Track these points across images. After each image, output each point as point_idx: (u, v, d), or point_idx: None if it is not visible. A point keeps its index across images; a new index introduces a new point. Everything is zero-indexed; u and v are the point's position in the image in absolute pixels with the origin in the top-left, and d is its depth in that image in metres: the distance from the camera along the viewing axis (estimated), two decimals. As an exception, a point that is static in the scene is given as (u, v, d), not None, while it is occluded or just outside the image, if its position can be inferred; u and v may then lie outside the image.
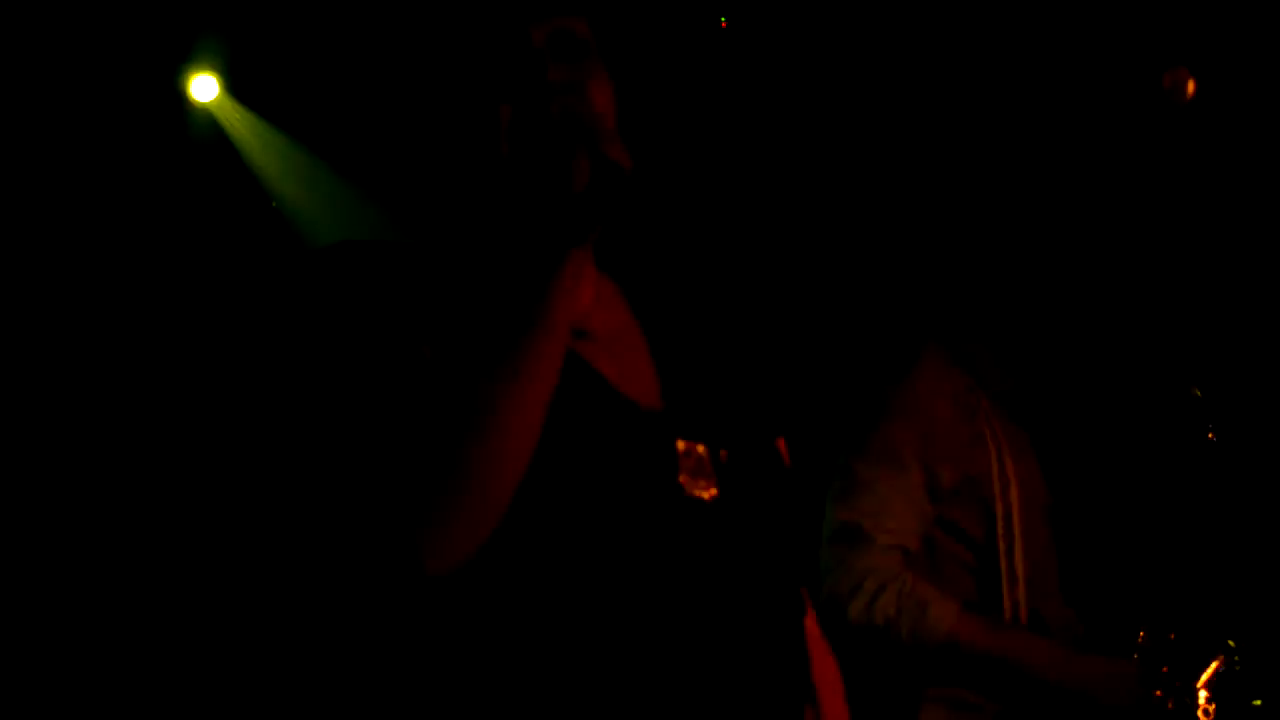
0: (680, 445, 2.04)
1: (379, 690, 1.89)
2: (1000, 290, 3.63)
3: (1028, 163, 3.79)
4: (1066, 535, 3.63)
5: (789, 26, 4.75)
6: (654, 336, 2.14)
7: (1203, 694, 3.40)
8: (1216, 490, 3.70)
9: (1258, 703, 3.47)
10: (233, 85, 5.36)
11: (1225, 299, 4.27)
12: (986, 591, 3.43)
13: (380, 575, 1.77)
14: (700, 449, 2.04)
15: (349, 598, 1.84)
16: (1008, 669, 3.30)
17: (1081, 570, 3.64)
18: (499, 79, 1.89)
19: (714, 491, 2.03)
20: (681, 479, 2.02)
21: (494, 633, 1.85)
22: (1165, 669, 3.40)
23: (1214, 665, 3.42)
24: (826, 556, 3.37)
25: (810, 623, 2.19)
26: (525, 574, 1.86)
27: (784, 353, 4.37)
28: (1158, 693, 3.38)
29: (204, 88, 5.33)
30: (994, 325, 3.64)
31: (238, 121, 5.35)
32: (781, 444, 2.22)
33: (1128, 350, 4.15)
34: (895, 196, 4.80)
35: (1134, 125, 4.02)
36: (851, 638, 3.27)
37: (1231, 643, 3.46)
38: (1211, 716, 3.39)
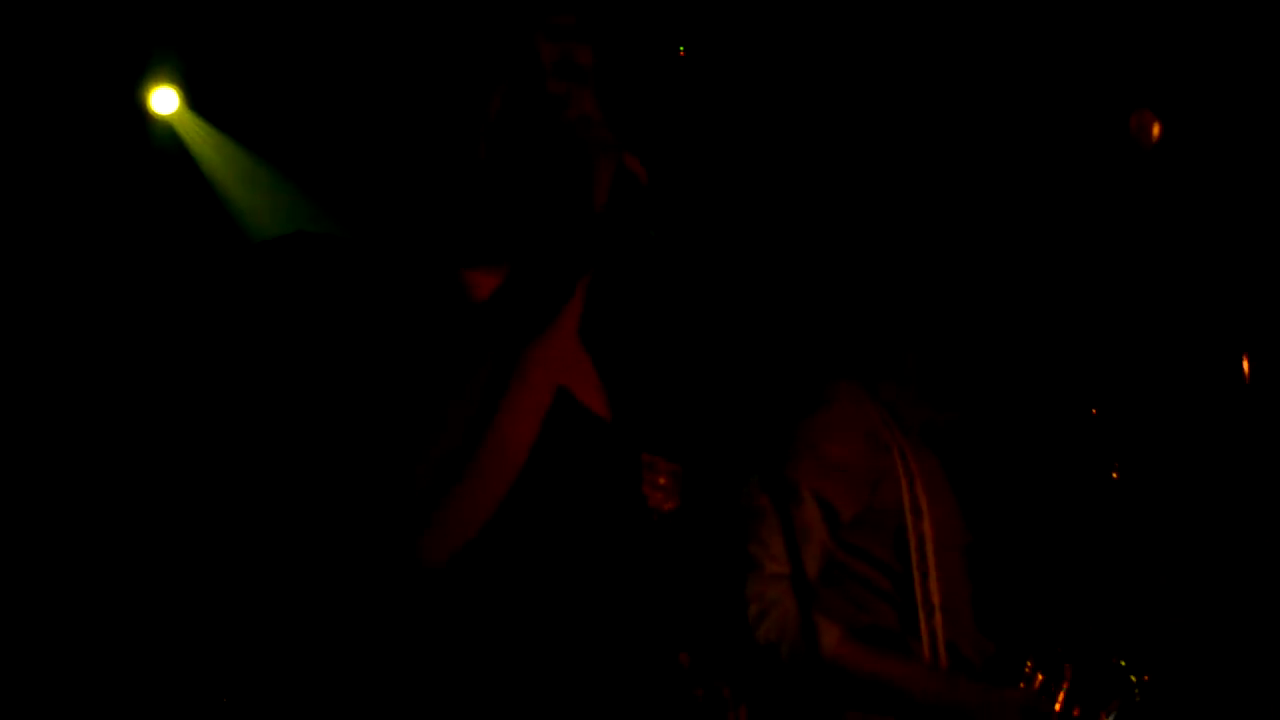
0: (645, 458, 2.03)
1: (360, 679, 1.86)
2: (924, 327, 3.71)
3: (962, 199, 3.83)
4: (982, 566, 3.69)
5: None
6: (602, 352, 2.13)
7: None
8: (1125, 521, 3.76)
9: None
10: (193, 99, 5.32)
11: (1152, 336, 4.32)
12: (905, 618, 3.49)
13: (381, 569, 1.78)
14: (662, 463, 2.04)
15: (347, 589, 1.85)
16: (890, 692, 3.37)
17: (996, 598, 3.68)
18: (491, 81, 1.88)
19: (674, 504, 2.03)
20: (645, 490, 2.01)
21: (461, 633, 1.86)
22: (1061, 698, 3.44)
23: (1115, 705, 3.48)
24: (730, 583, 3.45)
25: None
26: (493, 579, 1.86)
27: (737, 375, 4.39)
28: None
29: (164, 100, 5.29)
30: (916, 363, 3.71)
31: (198, 135, 5.32)
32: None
33: (1044, 386, 4.21)
34: (820, 230, 4.81)
35: (1095, 165, 4.05)
36: (752, 657, 3.34)
37: (1133, 677, 3.51)
38: None
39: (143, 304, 4.99)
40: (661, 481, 1.98)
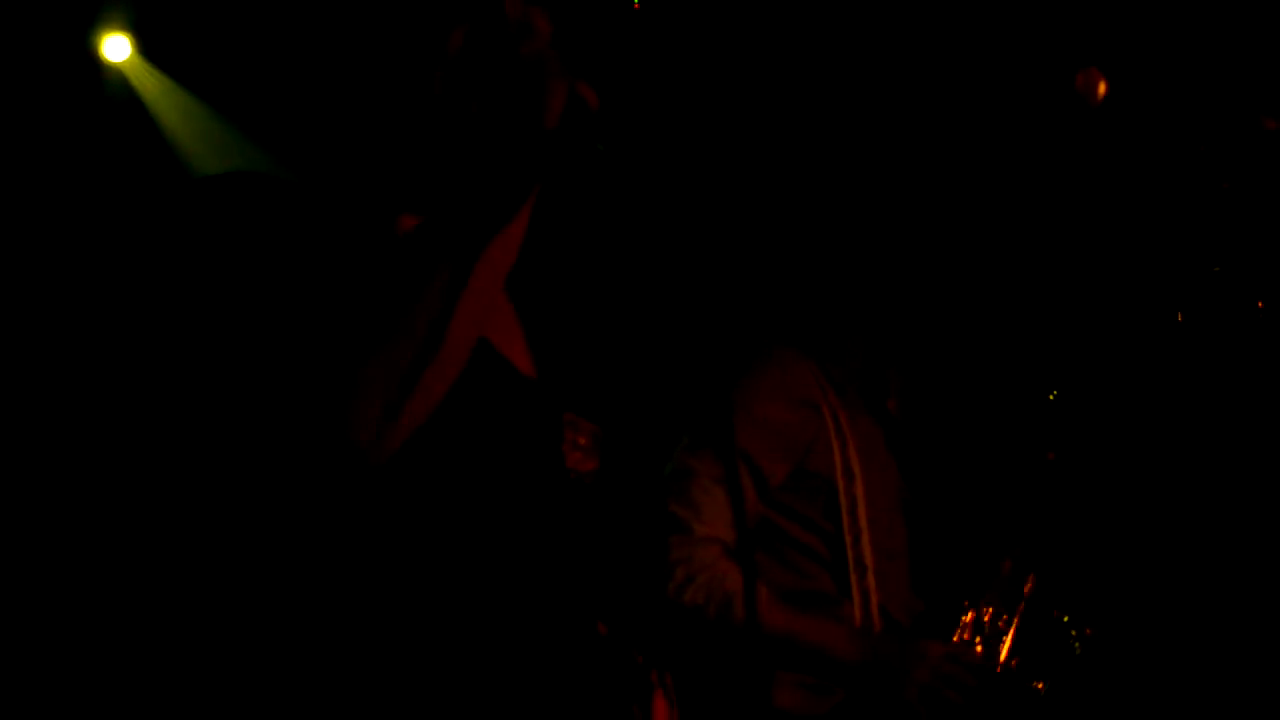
0: (567, 416, 2.05)
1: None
2: (861, 289, 3.76)
3: (899, 158, 3.84)
4: (924, 525, 3.74)
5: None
6: (529, 312, 2.15)
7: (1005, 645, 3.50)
8: (1065, 482, 3.79)
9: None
10: (145, 46, 5.30)
11: (1097, 305, 4.34)
12: (838, 579, 3.52)
13: (322, 453, 1.78)
14: (584, 424, 2.05)
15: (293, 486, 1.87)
16: (813, 653, 3.41)
17: (940, 557, 3.72)
18: (448, 20, 1.90)
19: (593, 465, 2.04)
20: (564, 449, 2.03)
21: (375, 591, 1.89)
22: (1004, 649, 3.48)
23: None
24: (655, 542, 3.44)
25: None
26: (407, 535, 1.89)
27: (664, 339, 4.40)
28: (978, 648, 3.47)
29: (116, 48, 5.27)
30: (853, 322, 3.75)
31: (150, 83, 5.30)
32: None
33: (986, 346, 4.23)
34: (754, 192, 4.82)
35: (1042, 124, 4.05)
36: (668, 619, 3.38)
37: (1074, 631, 3.56)
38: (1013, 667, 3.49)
39: (92, 256, 4.99)
40: (582, 441, 1.99)
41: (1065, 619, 3.60)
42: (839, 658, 3.40)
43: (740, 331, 4.17)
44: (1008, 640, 3.52)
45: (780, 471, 3.51)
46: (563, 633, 1.94)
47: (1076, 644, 3.60)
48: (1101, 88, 3.91)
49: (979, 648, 3.50)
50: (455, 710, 1.84)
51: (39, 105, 5.10)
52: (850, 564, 3.49)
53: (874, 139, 4.03)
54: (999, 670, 3.48)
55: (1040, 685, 3.53)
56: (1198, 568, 4.00)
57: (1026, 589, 3.61)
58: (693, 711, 2.23)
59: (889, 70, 4.52)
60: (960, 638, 3.51)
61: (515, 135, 1.79)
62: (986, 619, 3.54)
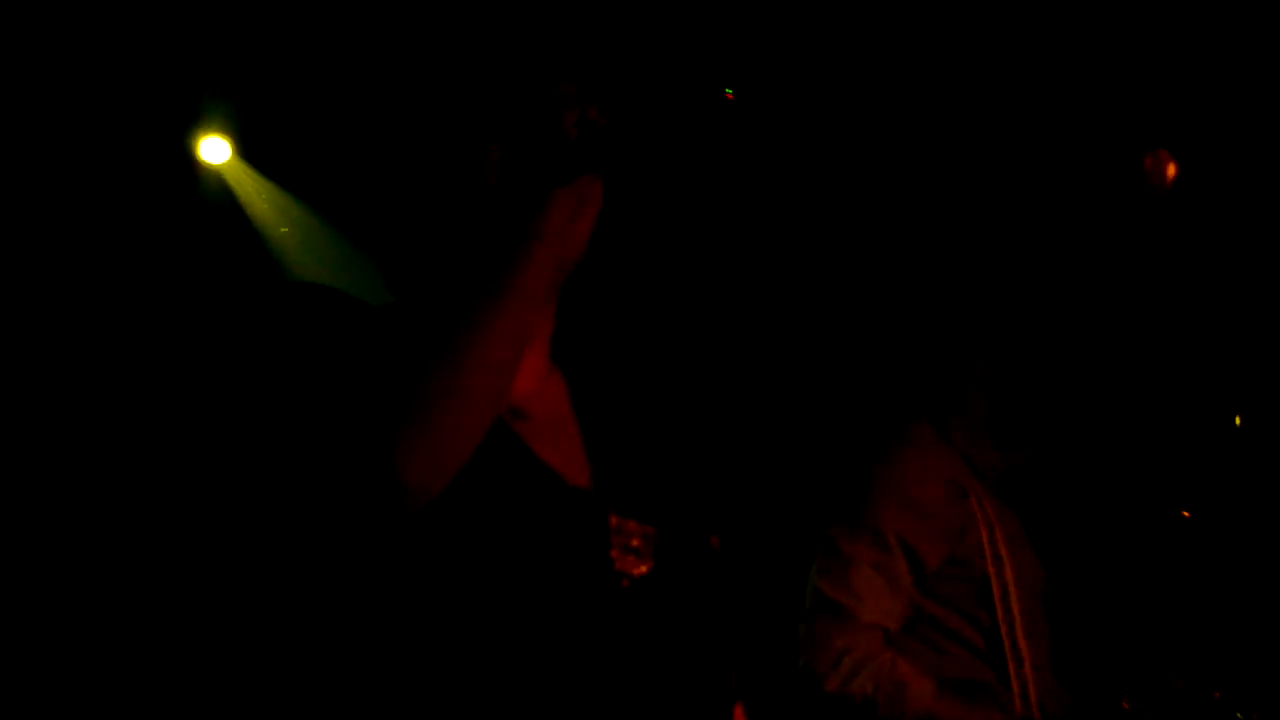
0: (613, 521, 2.08)
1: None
2: (995, 371, 3.65)
3: (1016, 237, 3.81)
4: (1060, 612, 3.64)
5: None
6: (589, 423, 2.20)
7: None
8: (1208, 563, 3.70)
9: None
10: (244, 148, 5.44)
11: (1208, 378, 4.28)
12: (994, 668, 3.46)
13: (359, 491, 1.81)
14: (633, 525, 2.08)
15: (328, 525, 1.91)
16: None
17: (1076, 646, 3.65)
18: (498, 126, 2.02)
19: (645, 568, 2.07)
20: (613, 554, 2.06)
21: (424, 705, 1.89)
22: None
23: None
24: (807, 630, 3.40)
25: (739, 713, 2.24)
26: (457, 642, 1.90)
27: (726, 441, 4.39)
28: None
29: (215, 150, 5.41)
30: (988, 406, 3.65)
31: (247, 184, 5.43)
32: (714, 540, 2.27)
33: (1118, 429, 4.15)
34: (887, 270, 4.82)
35: (1115, 206, 4.06)
36: (827, 708, 3.31)
37: (1238, 714, 3.48)
38: None
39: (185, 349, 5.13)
40: (634, 544, 2.01)
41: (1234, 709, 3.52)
42: None
43: (858, 403, 4.16)
44: None
45: (936, 557, 3.44)
46: None
47: None
48: (1171, 170, 3.92)
49: None
50: None
51: (140, 206, 5.24)
52: (1008, 653, 3.42)
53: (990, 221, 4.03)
54: None
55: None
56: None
57: (1183, 681, 3.50)
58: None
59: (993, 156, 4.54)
60: None
61: (538, 149, 1.95)
62: (1147, 706, 3.47)
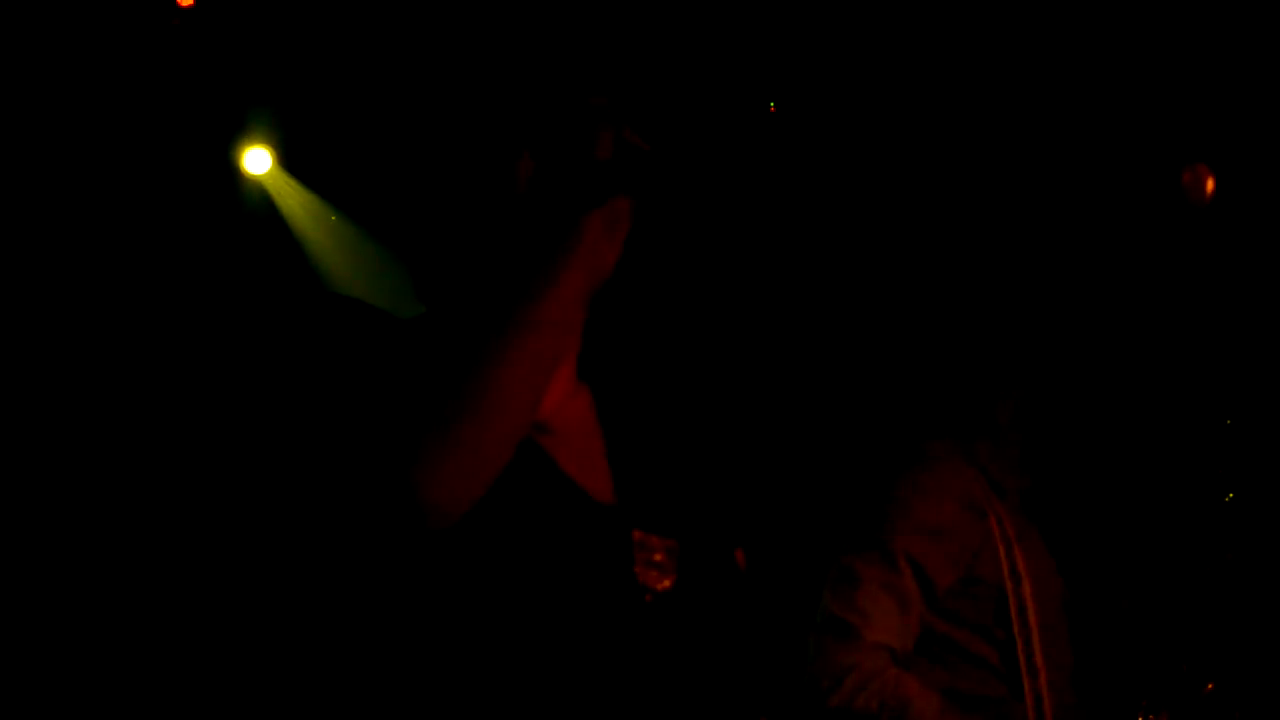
0: (636, 536, 2.09)
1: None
2: (1014, 385, 3.63)
3: (1052, 252, 3.79)
4: (1083, 628, 3.62)
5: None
6: (613, 438, 2.20)
7: None
8: (1228, 577, 3.68)
9: None
10: (286, 159, 5.47)
11: (1236, 394, 4.25)
12: (1008, 683, 3.43)
13: (383, 509, 1.81)
14: (655, 540, 2.09)
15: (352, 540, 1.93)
16: None
17: (1100, 661, 3.63)
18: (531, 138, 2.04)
19: (668, 582, 2.08)
20: (636, 569, 2.06)
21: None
22: None
23: None
24: (814, 644, 3.39)
25: None
26: (479, 654, 1.90)
27: (750, 454, 4.38)
28: None
29: (257, 161, 5.45)
30: (1007, 422, 3.62)
31: (289, 195, 5.47)
32: (740, 554, 2.27)
33: (1140, 446, 4.12)
34: (906, 281, 4.81)
35: (1151, 221, 4.04)
36: None
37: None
38: None
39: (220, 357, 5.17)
40: (657, 559, 2.00)
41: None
42: None
43: (883, 424, 4.14)
44: None
45: (948, 578, 3.42)
46: None
47: None
48: (1210, 184, 3.89)
49: None
50: None
51: (181, 216, 5.29)
52: (1023, 668, 3.40)
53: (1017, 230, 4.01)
54: None
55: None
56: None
57: (1206, 692, 3.52)
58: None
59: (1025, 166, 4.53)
60: None
61: (570, 168, 1.95)
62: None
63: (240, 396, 4.99)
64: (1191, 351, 4.13)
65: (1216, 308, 4.22)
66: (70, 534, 4.95)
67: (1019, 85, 4.60)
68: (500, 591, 1.92)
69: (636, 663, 2.00)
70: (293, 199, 5.47)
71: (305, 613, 1.84)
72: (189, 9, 4.96)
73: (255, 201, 5.49)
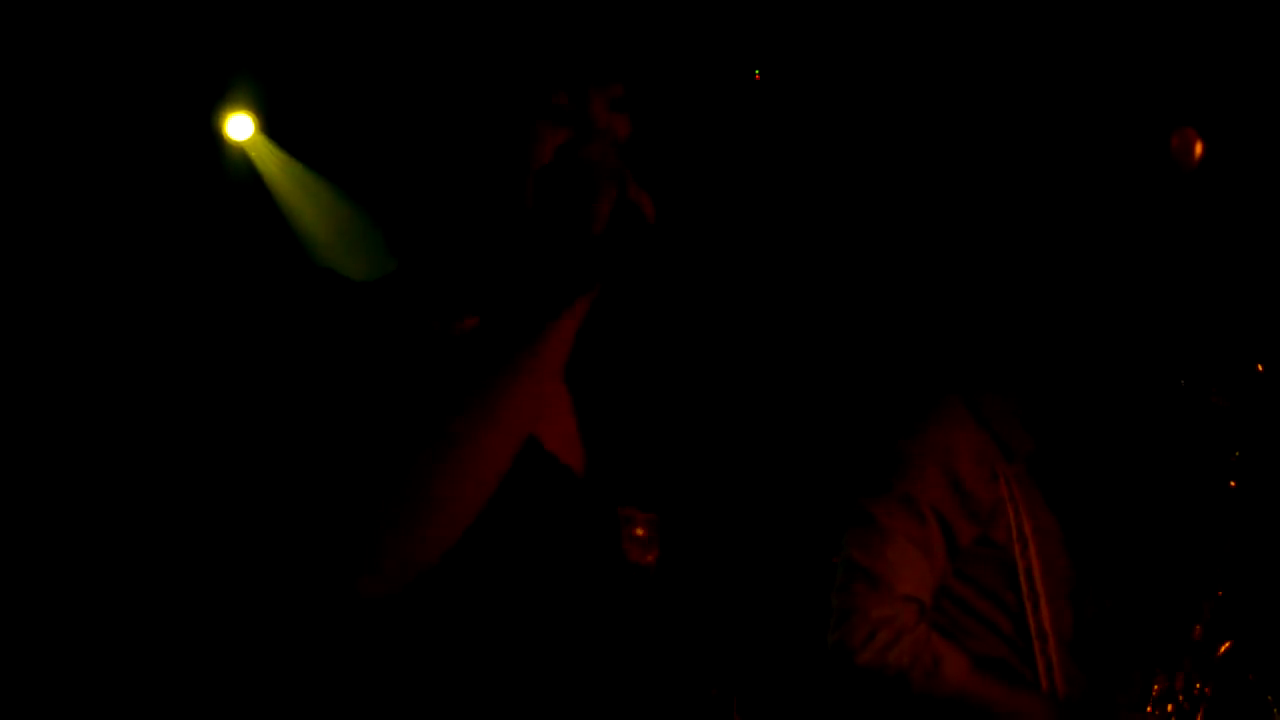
0: (622, 512, 2.06)
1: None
2: (1022, 347, 3.61)
3: (1047, 217, 3.76)
4: (1084, 596, 3.57)
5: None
6: (584, 406, 2.16)
7: None
8: (1234, 544, 3.65)
9: None
10: (268, 124, 5.44)
11: (1236, 358, 4.22)
12: (1017, 648, 3.43)
13: (312, 590, 1.76)
14: (638, 514, 2.06)
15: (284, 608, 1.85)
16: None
17: (1099, 629, 3.61)
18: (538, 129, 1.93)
19: (652, 556, 2.05)
20: (624, 545, 2.04)
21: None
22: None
23: None
24: (842, 600, 3.37)
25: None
26: (464, 633, 1.87)
27: (733, 419, 4.35)
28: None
29: (239, 126, 5.41)
30: (1015, 383, 3.60)
31: (271, 160, 5.44)
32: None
33: (1148, 411, 4.09)
34: (916, 246, 4.79)
35: (1142, 184, 4.02)
36: (858, 680, 3.29)
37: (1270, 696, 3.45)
38: None
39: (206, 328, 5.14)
40: (639, 533, 1.97)
41: (1267, 692, 3.48)
42: None
43: (895, 380, 4.11)
44: (1201, 714, 3.42)
45: (968, 533, 3.40)
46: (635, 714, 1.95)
47: (1276, 710, 3.47)
48: (1198, 148, 3.87)
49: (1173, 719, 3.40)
50: None
51: (164, 182, 5.26)
52: (1033, 632, 3.39)
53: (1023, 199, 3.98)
54: None
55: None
56: None
57: (1220, 654, 3.48)
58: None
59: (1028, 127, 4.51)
60: (1153, 709, 3.42)
61: (564, 237, 1.76)
62: (1179, 687, 3.43)
63: (208, 383, 4.96)
64: (1189, 319, 4.10)
65: (1210, 273, 4.20)
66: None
67: (1007, 61, 4.59)
68: (487, 572, 1.87)
69: (624, 638, 1.98)
70: (275, 165, 5.43)
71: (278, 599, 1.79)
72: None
73: (237, 168, 5.45)
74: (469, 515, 1.75)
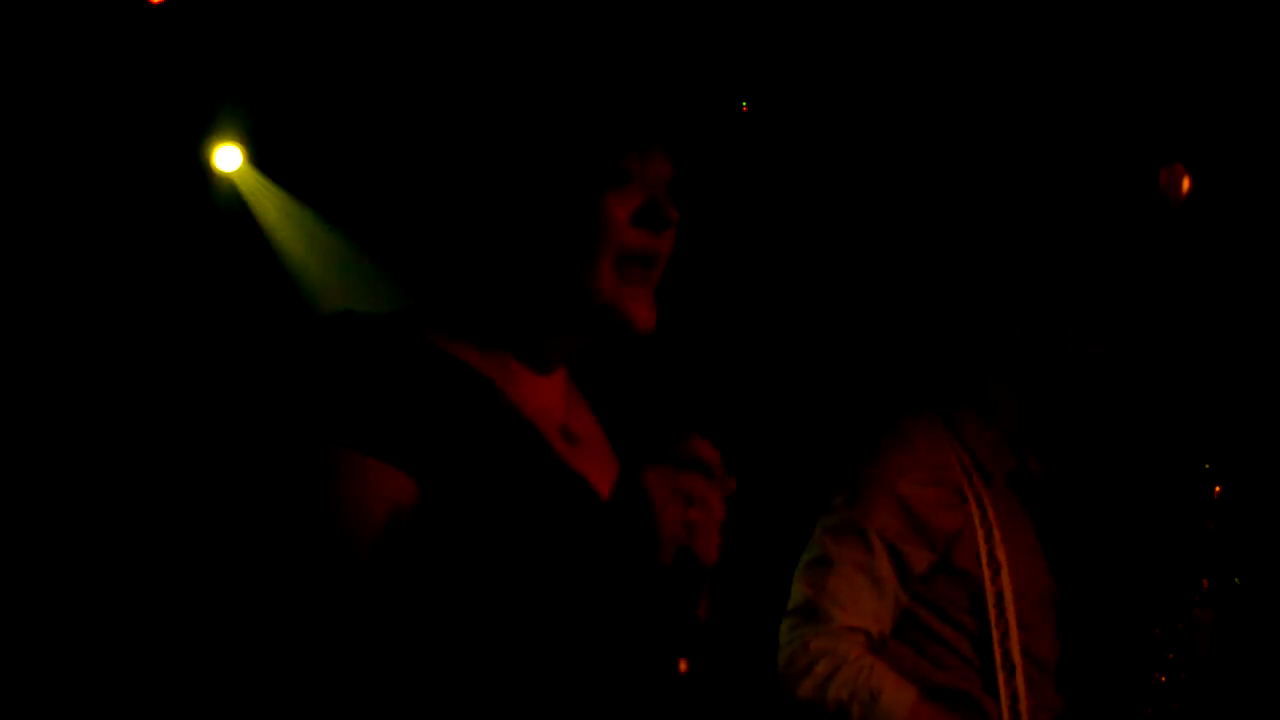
0: None
1: None
2: (1006, 366, 3.56)
3: (1025, 237, 3.77)
4: (1072, 618, 3.58)
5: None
6: (619, 438, 2.17)
7: None
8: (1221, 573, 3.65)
9: None
10: (256, 156, 5.44)
11: (1224, 385, 4.23)
12: (983, 676, 3.37)
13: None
14: None
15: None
16: None
17: (1088, 655, 3.59)
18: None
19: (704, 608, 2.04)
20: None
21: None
22: None
23: None
24: (785, 630, 3.35)
25: None
26: (504, 672, 1.87)
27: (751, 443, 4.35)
28: None
29: (227, 158, 5.41)
30: (995, 400, 3.56)
31: (260, 192, 5.43)
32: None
33: (1133, 428, 4.08)
34: (899, 266, 4.80)
35: (1129, 221, 4.03)
36: (798, 714, 3.26)
37: None
38: None
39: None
40: None
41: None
42: None
43: (864, 400, 4.08)
44: None
45: (924, 559, 3.35)
46: None
47: None
48: (1185, 184, 3.88)
49: None
50: None
51: (151, 213, 5.26)
52: (998, 662, 3.33)
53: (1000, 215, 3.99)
54: None
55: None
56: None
57: (1192, 690, 3.45)
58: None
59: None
60: None
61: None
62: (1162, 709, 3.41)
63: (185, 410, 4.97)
64: (1177, 342, 4.11)
65: (1196, 297, 4.21)
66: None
67: (1003, 80, 4.61)
68: (516, 593, 1.86)
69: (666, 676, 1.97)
70: (264, 196, 5.43)
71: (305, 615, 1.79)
72: (159, 5, 4.93)
73: (225, 199, 5.44)
74: None
